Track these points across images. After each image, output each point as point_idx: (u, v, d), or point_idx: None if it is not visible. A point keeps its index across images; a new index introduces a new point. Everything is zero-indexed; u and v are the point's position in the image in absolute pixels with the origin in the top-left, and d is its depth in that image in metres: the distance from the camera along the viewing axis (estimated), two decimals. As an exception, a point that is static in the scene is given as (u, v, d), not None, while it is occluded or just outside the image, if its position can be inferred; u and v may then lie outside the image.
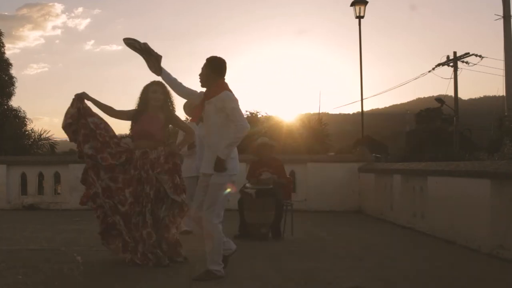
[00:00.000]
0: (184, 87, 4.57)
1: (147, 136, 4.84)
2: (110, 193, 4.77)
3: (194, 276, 4.22)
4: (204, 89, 4.44)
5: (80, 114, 4.83)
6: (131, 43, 4.44)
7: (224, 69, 4.34)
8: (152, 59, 4.36)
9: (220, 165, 4.11)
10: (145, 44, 4.36)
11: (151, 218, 4.69)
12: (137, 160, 4.78)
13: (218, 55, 4.36)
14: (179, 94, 4.64)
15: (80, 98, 4.87)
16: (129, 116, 5.03)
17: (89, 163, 4.83)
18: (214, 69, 4.29)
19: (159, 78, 4.58)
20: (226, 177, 4.19)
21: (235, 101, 4.21)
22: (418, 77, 43.37)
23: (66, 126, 4.85)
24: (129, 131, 5.18)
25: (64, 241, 5.97)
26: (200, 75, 4.34)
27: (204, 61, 4.34)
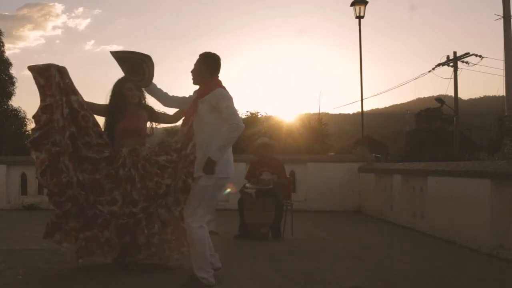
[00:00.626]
0: (171, 96, 4.34)
1: (136, 133, 4.50)
2: (83, 185, 4.25)
3: (182, 281, 3.98)
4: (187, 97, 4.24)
5: (60, 90, 4.25)
6: (121, 57, 4.16)
7: (219, 65, 4.10)
8: (146, 70, 4.10)
9: (210, 167, 3.83)
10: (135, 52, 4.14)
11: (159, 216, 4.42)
12: (125, 158, 4.35)
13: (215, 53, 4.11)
14: (167, 105, 4.40)
15: (62, 71, 4.30)
16: (105, 111, 4.54)
17: (68, 147, 4.19)
18: (209, 65, 4.04)
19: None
20: (213, 180, 3.91)
21: (230, 99, 3.97)
22: (418, 77, 43.47)
23: (44, 107, 4.25)
24: (105, 128, 4.60)
25: (64, 241, 5.96)
26: (192, 71, 4.08)
27: (197, 57, 4.09)
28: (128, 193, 4.33)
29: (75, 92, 4.32)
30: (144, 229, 4.36)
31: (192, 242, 3.90)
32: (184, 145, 4.49)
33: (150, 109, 4.70)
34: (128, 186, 4.33)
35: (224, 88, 4.04)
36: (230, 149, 4.07)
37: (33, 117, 4.31)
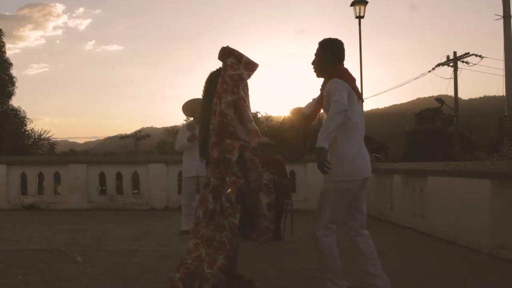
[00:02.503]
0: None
1: None
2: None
3: None
4: None
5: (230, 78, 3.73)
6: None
7: (339, 51, 3.56)
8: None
9: (319, 159, 3.18)
10: None
11: None
12: None
13: (333, 39, 3.62)
14: None
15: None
16: None
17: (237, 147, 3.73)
18: (328, 53, 3.54)
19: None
20: (333, 184, 3.43)
21: (339, 83, 3.35)
22: (418, 77, 43.55)
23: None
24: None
25: (64, 241, 5.97)
26: (313, 63, 3.63)
27: (317, 46, 3.61)
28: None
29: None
30: None
31: (319, 252, 3.58)
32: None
33: None
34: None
35: (344, 76, 3.46)
36: (361, 146, 3.49)
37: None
